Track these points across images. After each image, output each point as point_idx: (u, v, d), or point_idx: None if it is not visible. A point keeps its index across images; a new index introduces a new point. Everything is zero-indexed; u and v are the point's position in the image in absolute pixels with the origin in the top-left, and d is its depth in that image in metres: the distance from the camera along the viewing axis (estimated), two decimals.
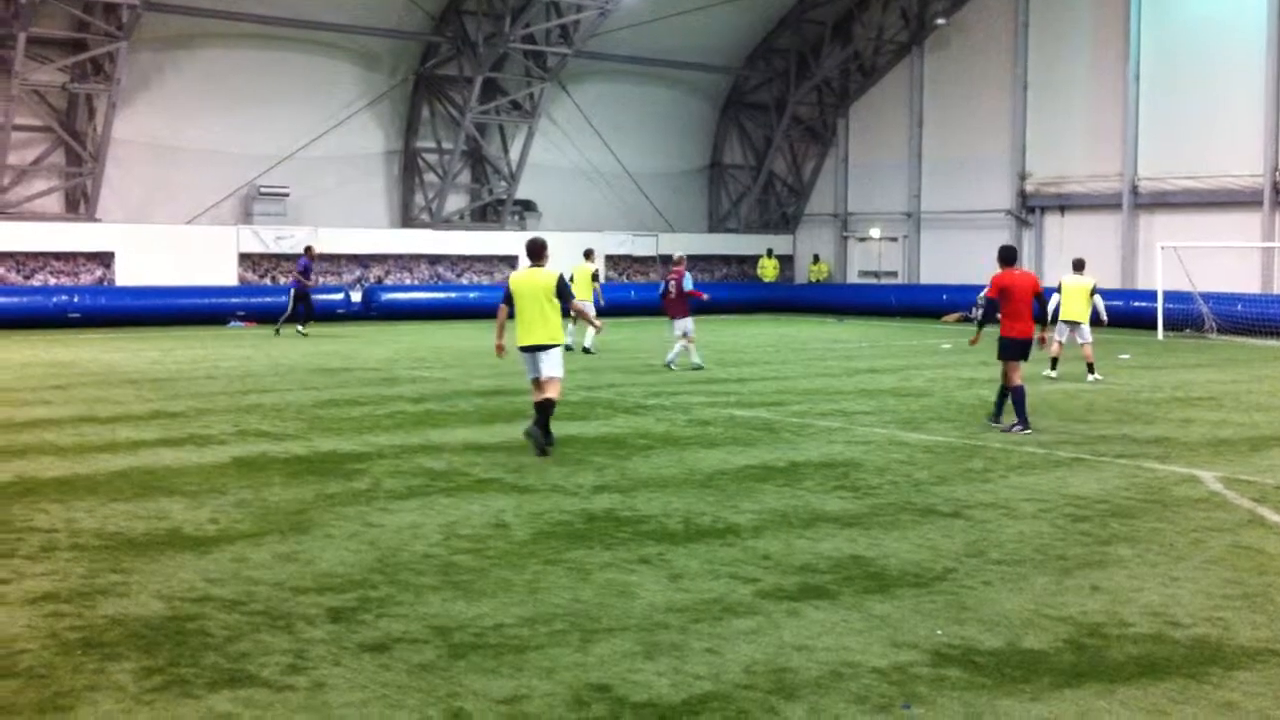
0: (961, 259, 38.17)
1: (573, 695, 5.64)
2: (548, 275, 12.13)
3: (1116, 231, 35.46)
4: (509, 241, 37.85)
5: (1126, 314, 32.63)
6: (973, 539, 8.65)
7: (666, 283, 20.87)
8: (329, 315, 32.48)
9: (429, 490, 10.29)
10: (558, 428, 12.75)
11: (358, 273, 36.03)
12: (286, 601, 7.07)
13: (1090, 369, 19.40)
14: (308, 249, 30.37)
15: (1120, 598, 7.24)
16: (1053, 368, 19.67)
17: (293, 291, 29.35)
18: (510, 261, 38.06)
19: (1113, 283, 35.12)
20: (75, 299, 30.76)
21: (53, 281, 31.61)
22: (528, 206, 38.79)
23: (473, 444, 12.69)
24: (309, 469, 11.24)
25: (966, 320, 34.44)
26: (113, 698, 5.58)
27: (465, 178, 38.43)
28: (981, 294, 16.82)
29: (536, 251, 12.28)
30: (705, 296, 21.48)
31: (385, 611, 6.90)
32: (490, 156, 38.12)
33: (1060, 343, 19.89)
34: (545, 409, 12.08)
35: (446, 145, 37.05)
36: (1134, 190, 35.03)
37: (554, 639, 6.42)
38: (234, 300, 32.89)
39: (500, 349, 12.59)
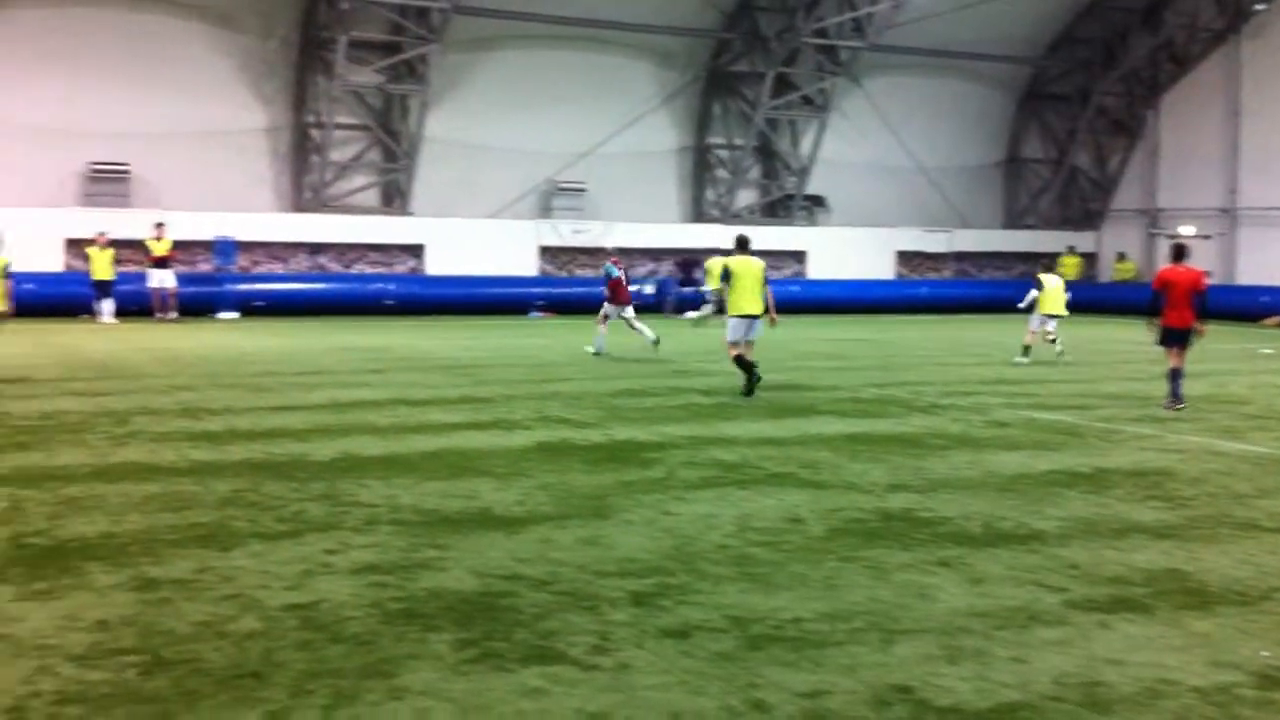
0: None
1: (874, 695, 5.58)
2: (758, 262, 16.07)
3: None
4: (799, 237, 37.85)
5: None
6: None
7: (625, 271, 23.06)
8: None
9: (722, 482, 10.39)
10: (849, 425, 13.76)
11: (650, 266, 36.71)
12: (590, 584, 7.29)
13: (1056, 343, 21.68)
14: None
15: None
16: (1025, 354, 21.30)
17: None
18: (797, 257, 38.14)
19: None
20: (390, 287, 32.74)
21: (369, 271, 33.66)
22: (817, 201, 38.57)
23: (765, 438, 12.73)
24: (607, 456, 11.54)
25: None
26: (432, 666, 5.87)
27: (756, 173, 38.59)
28: None
29: (747, 243, 16.43)
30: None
31: (684, 599, 7.00)
32: (781, 152, 38.13)
33: (1033, 331, 21.77)
34: (753, 368, 15.86)
35: (738, 141, 37.29)
36: None
37: (853, 636, 6.38)
38: (534, 290, 34.22)
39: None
